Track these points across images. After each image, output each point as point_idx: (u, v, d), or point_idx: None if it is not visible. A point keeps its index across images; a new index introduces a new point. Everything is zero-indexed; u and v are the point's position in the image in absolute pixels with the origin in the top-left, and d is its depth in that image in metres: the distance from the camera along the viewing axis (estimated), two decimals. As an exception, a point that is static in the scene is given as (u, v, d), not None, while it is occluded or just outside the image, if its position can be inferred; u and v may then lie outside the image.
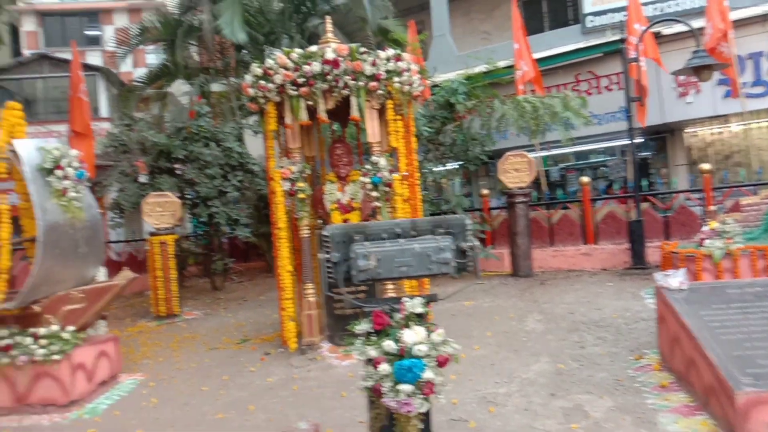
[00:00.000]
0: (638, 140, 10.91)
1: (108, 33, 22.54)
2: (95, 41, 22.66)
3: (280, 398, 5.44)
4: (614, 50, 12.43)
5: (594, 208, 10.38)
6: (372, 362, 2.81)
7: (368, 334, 2.89)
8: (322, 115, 6.26)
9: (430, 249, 2.85)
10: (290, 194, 6.60)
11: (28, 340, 5.62)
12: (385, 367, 2.74)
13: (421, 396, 2.76)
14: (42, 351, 5.57)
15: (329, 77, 6.15)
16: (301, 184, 6.58)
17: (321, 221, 7.18)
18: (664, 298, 4.86)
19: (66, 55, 19.34)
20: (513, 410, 4.64)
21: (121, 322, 9.69)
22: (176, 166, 11.36)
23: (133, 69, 20.74)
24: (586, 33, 13.87)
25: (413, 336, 2.76)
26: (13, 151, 5.68)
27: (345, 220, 6.72)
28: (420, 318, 2.87)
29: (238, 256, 14.48)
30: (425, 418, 2.90)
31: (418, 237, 2.95)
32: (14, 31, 21.87)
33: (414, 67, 6.60)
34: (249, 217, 12.06)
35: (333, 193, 6.89)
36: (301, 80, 6.18)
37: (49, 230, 5.54)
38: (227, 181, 11.39)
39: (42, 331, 5.65)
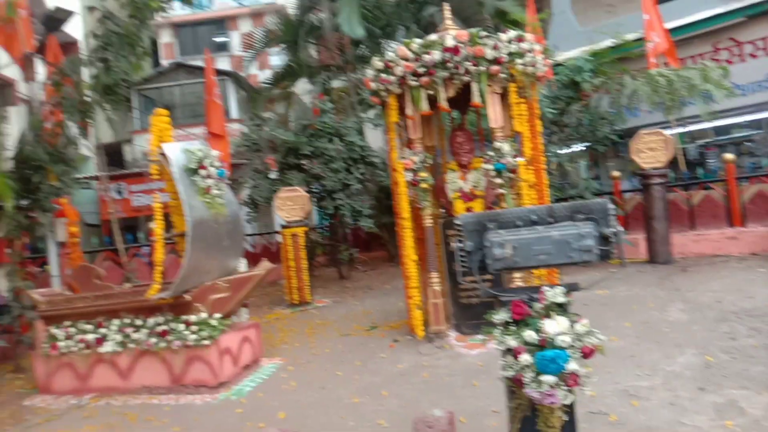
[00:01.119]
0: (792, 110, 9.82)
1: (235, 39, 23.91)
2: (224, 47, 24.11)
3: (412, 385, 5.53)
4: (760, 13, 11.22)
5: (740, 188, 9.48)
6: (511, 352, 2.76)
7: (506, 324, 2.84)
8: (443, 103, 6.24)
9: (571, 236, 2.74)
10: (413, 184, 6.65)
11: (181, 327, 6.17)
12: (526, 358, 2.68)
13: (565, 387, 2.68)
14: (193, 336, 6.08)
15: (450, 65, 6.10)
16: (423, 174, 6.61)
17: (443, 211, 7.18)
18: (834, 284, 4.35)
19: (198, 62, 20.77)
20: (658, 404, 4.39)
21: (259, 309, 10.31)
22: (303, 161, 11.84)
23: (258, 72, 21.83)
24: (725, -4, 12.64)
25: (555, 326, 2.68)
26: (163, 154, 6.22)
27: (468, 209, 6.67)
28: (561, 307, 2.78)
29: (361, 246, 14.86)
30: (569, 410, 2.81)
31: (555, 224, 2.86)
32: (153, 44, 23.85)
33: (537, 47, 6.37)
34: (371, 208, 12.33)
35: (455, 181, 6.86)
36: (421, 70, 6.19)
37: (196, 225, 6.02)
38: (350, 174, 11.70)
39: (193, 318, 6.17)
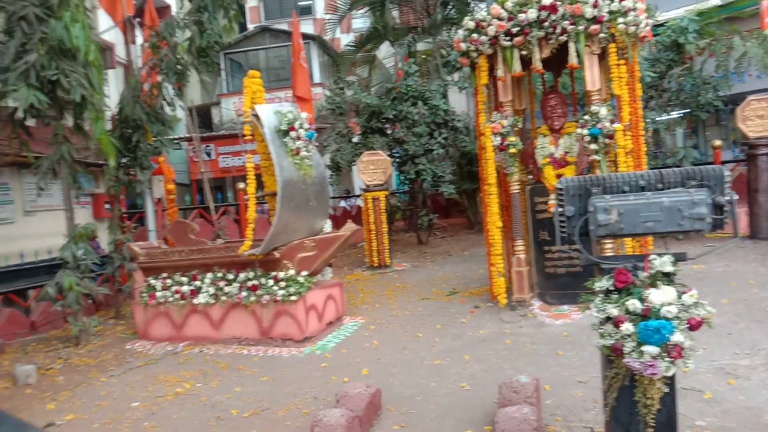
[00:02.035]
0: None
1: (318, 2, 23.94)
2: (308, 11, 24.20)
3: (494, 351, 5.51)
4: None
5: None
6: (611, 321, 2.68)
7: (607, 292, 2.75)
8: (537, 64, 6.02)
9: (682, 203, 2.60)
10: (500, 149, 6.51)
11: (270, 282, 6.40)
12: (628, 327, 2.59)
13: (668, 359, 2.58)
14: (282, 292, 6.30)
15: (546, 24, 5.86)
16: (512, 139, 6.46)
17: (531, 177, 7.00)
18: None
19: (282, 26, 21.01)
20: (758, 384, 4.18)
21: (340, 270, 10.54)
22: (386, 125, 11.82)
23: (342, 35, 21.81)
24: None
25: (662, 296, 2.56)
26: (256, 116, 6.37)
27: (558, 176, 6.45)
28: (668, 277, 2.65)
29: (440, 212, 14.80)
30: (670, 382, 2.71)
31: (665, 190, 2.71)
32: (240, 7, 24.21)
33: (640, 5, 6.00)
34: (452, 173, 12.20)
35: (545, 146, 6.64)
36: (515, 30, 5.99)
37: (286, 185, 6.17)
38: (433, 139, 11.57)
39: (281, 274, 6.38)
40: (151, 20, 10.17)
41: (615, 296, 2.70)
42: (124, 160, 8.73)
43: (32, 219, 10.19)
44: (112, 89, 13.72)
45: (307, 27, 22.80)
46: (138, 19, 10.59)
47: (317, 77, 20.03)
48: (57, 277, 6.99)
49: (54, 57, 6.52)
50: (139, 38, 10.95)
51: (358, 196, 16.12)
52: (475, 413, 4.18)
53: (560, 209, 2.87)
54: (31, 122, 7.40)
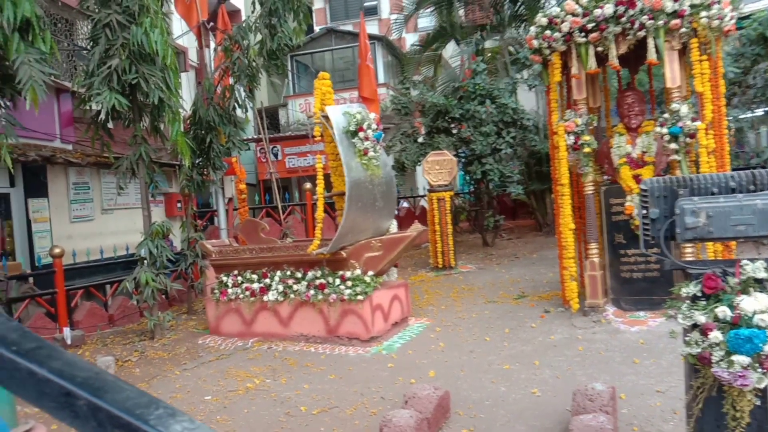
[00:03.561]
0: None
1: (383, 2, 24.04)
2: (373, 11, 24.34)
3: (566, 357, 5.36)
4: None
5: None
6: (699, 328, 2.53)
7: (693, 298, 2.60)
8: (614, 61, 5.81)
9: (778, 205, 2.43)
10: (574, 149, 6.32)
11: (337, 281, 6.45)
12: (716, 335, 2.45)
13: (761, 370, 2.42)
14: (348, 291, 6.35)
15: (623, 19, 5.65)
16: (586, 138, 6.26)
17: (606, 178, 6.77)
18: None
19: (347, 27, 21.20)
20: None
21: (404, 271, 10.51)
22: (452, 125, 11.72)
23: (406, 35, 21.79)
24: None
25: (754, 303, 2.41)
26: (326, 116, 6.45)
27: (635, 176, 6.21)
28: (760, 284, 2.49)
29: (506, 213, 14.56)
30: (762, 395, 2.54)
31: (758, 192, 2.55)
32: (308, 9, 24.60)
33: (725, -3, 5.69)
34: (520, 174, 11.97)
35: (622, 146, 6.40)
36: (590, 26, 5.80)
37: (354, 185, 6.21)
38: (501, 138, 11.36)
39: (348, 274, 6.43)
40: (223, 24, 10.51)
41: (702, 303, 2.56)
42: (197, 161, 9.02)
43: (109, 217, 10.71)
44: (185, 92, 14.27)
45: (372, 27, 22.90)
46: (211, 24, 10.96)
47: (382, 77, 20.07)
48: (135, 272, 7.30)
49: (134, 61, 6.82)
50: (211, 42, 11.33)
51: (407, 197, 16.00)
52: (546, 420, 4.07)
53: (644, 211, 2.75)
54: (109, 124, 7.76)
